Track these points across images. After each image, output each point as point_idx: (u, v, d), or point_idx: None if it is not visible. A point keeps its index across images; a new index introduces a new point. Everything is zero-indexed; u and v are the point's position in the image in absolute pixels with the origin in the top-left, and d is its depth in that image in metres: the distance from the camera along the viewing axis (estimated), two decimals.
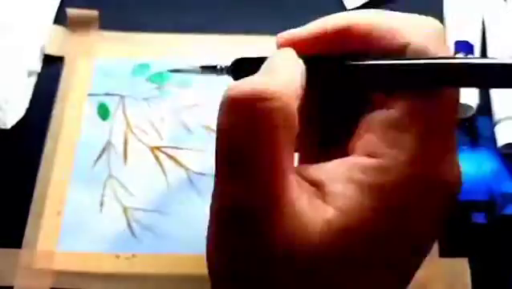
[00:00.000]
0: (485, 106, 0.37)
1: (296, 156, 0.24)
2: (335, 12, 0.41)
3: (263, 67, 0.19)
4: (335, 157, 0.18)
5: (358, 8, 0.42)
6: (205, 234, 0.31)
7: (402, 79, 0.18)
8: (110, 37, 0.39)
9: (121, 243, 0.31)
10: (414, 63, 0.18)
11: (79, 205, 0.32)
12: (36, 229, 0.32)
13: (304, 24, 0.40)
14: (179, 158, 0.34)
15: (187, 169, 0.34)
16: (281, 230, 0.16)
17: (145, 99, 0.36)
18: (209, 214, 0.18)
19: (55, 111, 0.36)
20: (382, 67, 0.18)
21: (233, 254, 0.17)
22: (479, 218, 0.33)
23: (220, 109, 0.17)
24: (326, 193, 0.17)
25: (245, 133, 0.16)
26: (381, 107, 0.18)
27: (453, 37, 0.39)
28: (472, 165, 0.35)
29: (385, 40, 0.19)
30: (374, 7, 0.41)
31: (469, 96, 0.36)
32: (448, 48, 0.19)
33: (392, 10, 0.42)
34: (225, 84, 0.38)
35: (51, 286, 0.30)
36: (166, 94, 0.36)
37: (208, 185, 0.33)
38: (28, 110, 0.36)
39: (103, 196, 0.33)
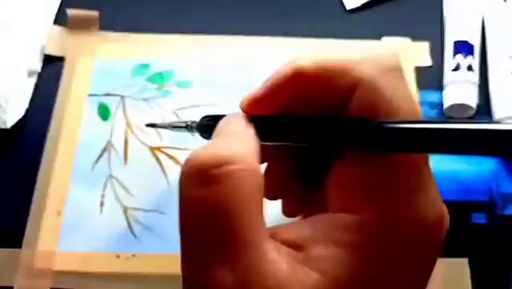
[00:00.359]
0: (485, 106, 0.37)
1: (279, 202, 0.24)
2: (336, 13, 0.41)
3: (215, 132, 0.19)
4: (319, 202, 0.18)
5: (358, 8, 0.42)
6: None
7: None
8: (110, 37, 0.39)
9: (121, 243, 0.31)
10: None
11: (80, 205, 0.32)
12: (36, 229, 0.32)
13: (304, 26, 0.40)
14: (179, 158, 0.34)
15: None
16: None
17: (145, 99, 0.36)
18: None
19: (55, 112, 0.36)
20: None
21: None
22: (479, 218, 0.33)
23: (181, 179, 0.16)
24: (308, 257, 0.16)
25: (215, 206, 0.15)
26: (357, 162, 0.18)
27: (452, 37, 0.39)
28: (472, 166, 0.35)
29: (336, 78, 0.18)
30: (374, 7, 0.42)
31: (468, 96, 0.36)
32: (406, 84, 0.18)
33: (392, 10, 0.42)
34: (224, 85, 0.38)
35: (52, 286, 0.30)
36: (166, 94, 0.36)
37: None
38: (28, 110, 0.36)
39: (103, 196, 0.33)
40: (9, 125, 0.34)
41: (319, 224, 0.17)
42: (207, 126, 0.23)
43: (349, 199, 0.17)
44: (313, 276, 0.16)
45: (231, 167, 0.15)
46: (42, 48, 0.38)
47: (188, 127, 0.26)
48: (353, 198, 0.17)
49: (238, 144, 0.17)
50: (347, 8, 0.42)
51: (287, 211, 0.24)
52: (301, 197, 0.22)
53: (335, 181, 0.19)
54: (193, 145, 0.34)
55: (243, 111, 0.20)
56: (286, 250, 0.16)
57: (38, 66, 0.38)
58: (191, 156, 0.16)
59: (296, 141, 0.19)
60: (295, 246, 0.17)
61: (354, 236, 0.16)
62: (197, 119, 0.25)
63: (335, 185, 0.19)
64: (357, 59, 0.18)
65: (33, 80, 0.37)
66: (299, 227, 0.18)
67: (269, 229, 0.17)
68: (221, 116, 0.21)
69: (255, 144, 0.18)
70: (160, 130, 0.35)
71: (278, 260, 0.16)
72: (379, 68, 0.18)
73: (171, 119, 0.35)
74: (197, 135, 0.26)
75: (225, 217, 0.15)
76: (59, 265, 0.31)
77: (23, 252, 0.31)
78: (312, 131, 0.18)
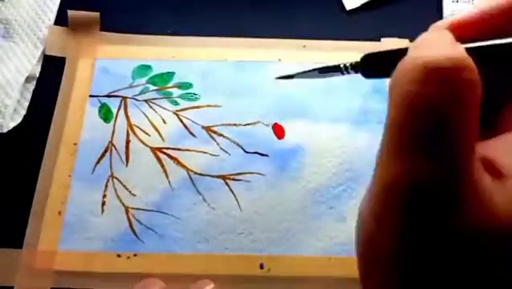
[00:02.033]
0: None
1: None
2: (335, 12, 0.42)
3: (418, 42, 0.17)
4: (496, 134, 0.17)
5: (357, 9, 0.42)
6: (206, 233, 0.32)
7: None
8: (111, 38, 0.39)
9: (122, 243, 0.31)
10: None
11: (81, 205, 0.32)
12: (37, 229, 0.32)
13: (304, 26, 0.40)
14: (180, 159, 0.34)
15: (188, 170, 0.34)
16: (470, 210, 0.15)
17: (146, 100, 0.36)
18: (368, 191, 0.16)
19: (57, 112, 0.36)
20: None
21: (412, 236, 0.15)
22: None
23: (407, 77, 0.15)
24: (501, 170, 0.16)
25: (448, 107, 0.15)
26: None
27: None
28: None
29: None
30: (373, 8, 0.42)
31: None
32: None
33: (391, 11, 0.42)
34: (225, 86, 0.38)
35: (52, 286, 0.30)
36: (167, 95, 0.37)
37: (208, 185, 0.33)
38: (30, 111, 0.36)
39: (104, 196, 0.33)
40: (5, 129, 0.34)
41: (509, 141, 0.16)
42: (375, 61, 0.21)
43: None
44: (509, 185, 0.15)
45: (468, 75, 0.15)
46: (42, 52, 0.38)
47: (343, 68, 0.24)
48: None
49: (462, 52, 0.16)
50: (347, 9, 0.42)
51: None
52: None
53: None
54: (194, 146, 0.34)
55: (450, 30, 0.18)
56: (481, 166, 0.16)
57: (36, 71, 0.38)
58: (415, 57, 0.15)
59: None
60: (486, 161, 0.16)
61: None
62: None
63: None
64: None
65: (31, 86, 0.37)
66: (487, 145, 0.17)
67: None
68: (384, 53, 0.20)
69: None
70: (160, 131, 0.35)
71: (482, 172, 0.15)
72: None
73: (172, 120, 0.35)
74: None
75: (457, 121, 0.15)
76: (60, 265, 0.31)
77: (24, 252, 0.31)
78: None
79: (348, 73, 0.24)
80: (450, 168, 0.15)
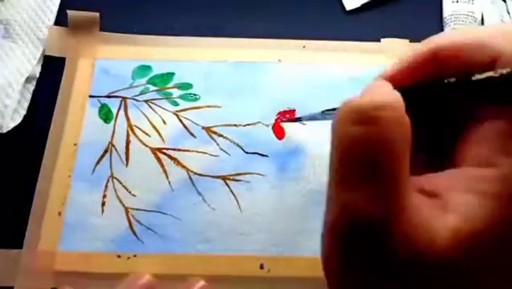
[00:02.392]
0: None
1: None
2: (335, 12, 0.42)
3: (363, 90, 0.19)
4: (440, 168, 0.18)
5: (357, 9, 0.42)
6: (206, 234, 0.32)
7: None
8: (111, 38, 0.39)
9: (122, 243, 0.31)
10: None
11: (81, 206, 0.32)
12: (37, 229, 0.32)
13: (304, 27, 0.40)
14: (180, 159, 0.34)
15: (188, 170, 0.34)
16: (405, 239, 0.16)
17: (146, 101, 0.36)
18: (321, 224, 0.18)
19: (57, 113, 0.36)
20: (493, 79, 0.18)
21: (354, 265, 0.17)
22: None
23: (339, 119, 0.18)
24: (444, 203, 0.17)
25: (370, 142, 0.16)
26: (488, 119, 0.18)
27: None
28: None
29: (475, 56, 0.19)
30: (373, 8, 0.42)
31: None
32: None
33: (391, 11, 0.42)
34: (225, 87, 0.38)
35: (52, 287, 0.30)
36: (167, 96, 0.37)
37: (208, 186, 0.33)
38: (30, 111, 0.36)
39: (104, 196, 0.33)
40: (5, 130, 0.34)
41: (456, 176, 0.18)
42: None
43: (486, 154, 0.18)
44: (452, 219, 0.16)
45: (389, 113, 0.17)
46: (42, 53, 0.38)
47: None
48: (492, 152, 0.17)
49: (391, 95, 0.18)
50: (347, 9, 0.42)
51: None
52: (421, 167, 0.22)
53: (468, 138, 0.19)
54: (194, 147, 0.34)
55: (389, 80, 0.21)
56: (420, 195, 0.17)
57: (36, 71, 0.38)
58: (348, 101, 0.18)
59: (434, 104, 0.20)
60: (430, 194, 0.17)
61: (495, 186, 0.17)
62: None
63: (468, 141, 0.19)
64: (495, 34, 0.18)
65: (31, 86, 0.37)
66: (433, 178, 0.18)
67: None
68: None
69: (402, 102, 0.18)
70: (160, 131, 0.35)
71: (419, 202, 0.17)
72: None
73: (172, 120, 0.35)
74: None
75: (381, 153, 0.16)
76: (60, 265, 0.31)
77: (24, 252, 0.31)
78: (449, 91, 0.19)
79: None
80: (380, 196, 0.16)
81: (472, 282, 0.16)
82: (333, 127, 0.18)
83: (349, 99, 0.18)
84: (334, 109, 0.28)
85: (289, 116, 0.36)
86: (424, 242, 0.16)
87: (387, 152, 0.16)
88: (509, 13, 0.42)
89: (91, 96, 0.36)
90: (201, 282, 0.30)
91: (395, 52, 0.39)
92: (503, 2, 0.43)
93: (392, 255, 0.16)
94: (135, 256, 0.31)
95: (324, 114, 0.29)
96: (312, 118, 0.31)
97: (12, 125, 0.35)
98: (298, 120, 0.34)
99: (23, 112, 0.36)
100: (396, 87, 0.19)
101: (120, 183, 0.33)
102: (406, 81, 0.21)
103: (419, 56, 0.21)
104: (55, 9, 0.41)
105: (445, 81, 0.19)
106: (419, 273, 0.16)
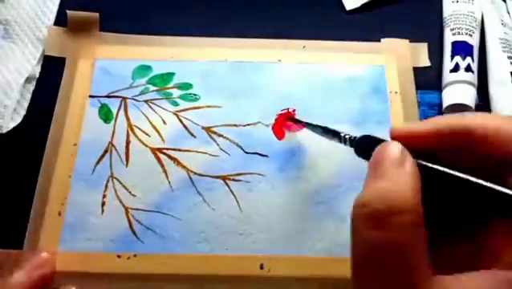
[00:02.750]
0: (484, 106, 0.37)
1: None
2: (335, 12, 0.42)
3: (377, 164, 0.19)
4: (453, 255, 0.19)
5: (357, 9, 0.42)
6: (206, 234, 0.32)
7: None
8: (110, 38, 0.39)
9: (122, 243, 0.31)
10: None
11: (81, 206, 0.32)
12: (37, 229, 0.32)
13: (304, 27, 0.40)
14: (180, 159, 0.34)
15: (188, 170, 0.34)
16: None
17: (146, 101, 0.36)
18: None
19: (57, 113, 0.36)
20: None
21: None
22: None
23: (357, 220, 0.18)
24: None
25: (389, 248, 0.17)
26: None
27: (451, 38, 0.39)
28: None
29: (509, 147, 0.18)
30: (373, 8, 0.42)
31: (467, 97, 0.36)
32: None
33: (391, 11, 0.42)
34: (225, 91, 0.38)
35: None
36: (167, 96, 0.37)
37: (208, 186, 0.33)
38: (29, 111, 0.36)
39: (104, 196, 0.33)
40: (5, 130, 0.34)
41: (486, 280, 0.17)
42: (365, 147, 0.23)
43: None
44: None
45: (407, 217, 0.17)
46: (42, 53, 0.38)
47: (341, 139, 0.27)
48: None
49: (405, 188, 0.18)
50: (347, 9, 0.42)
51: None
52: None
53: (498, 232, 0.18)
54: (194, 147, 0.34)
55: (391, 137, 0.21)
56: None
57: (36, 71, 0.38)
58: (363, 199, 0.18)
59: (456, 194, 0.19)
60: None
61: None
62: (349, 133, 0.27)
63: (499, 237, 0.18)
64: None
65: (31, 87, 0.37)
66: (460, 279, 0.17)
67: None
68: (379, 141, 0.22)
69: (418, 184, 0.18)
70: (160, 131, 0.35)
71: None
72: None
73: (172, 121, 0.35)
74: None
75: (399, 258, 0.17)
76: (60, 265, 0.31)
77: None
78: (475, 193, 0.18)
79: (345, 143, 0.27)
80: None
81: None
82: (352, 228, 0.18)
83: (363, 194, 0.18)
84: (334, 131, 0.28)
85: (289, 115, 0.36)
86: None
87: (404, 259, 0.17)
88: (509, 13, 0.42)
89: (90, 96, 0.36)
90: None
91: (395, 52, 0.39)
92: (503, 2, 0.43)
93: None
94: (135, 256, 0.31)
95: (324, 132, 0.29)
96: (311, 128, 0.31)
97: (12, 125, 0.35)
98: (301, 122, 0.34)
99: (23, 112, 0.36)
100: (415, 152, 0.19)
101: (120, 183, 0.33)
102: (428, 145, 0.20)
103: (452, 126, 0.20)
104: (55, 9, 0.41)
105: (474, 181, 0.18)
106: None
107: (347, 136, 0.27)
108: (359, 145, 0.25)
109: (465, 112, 0.21)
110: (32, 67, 0.37)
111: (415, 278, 0.16)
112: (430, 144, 0.20)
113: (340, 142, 0.27)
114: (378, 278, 0.17)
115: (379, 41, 0.40)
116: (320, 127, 0.30)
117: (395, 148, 0.19)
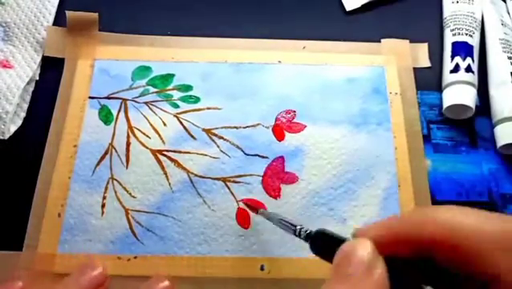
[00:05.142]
0: (485, 107, 0.37)
1: None
2: (335, 13, 0.42)
3: (340, 266, 0.17)
4: None
5: (357, 9, 0.42)
6: (206, 236, 0.32)
7: None
8: (110, 39, 0.39)
9: (122, 245, 0.31)
10: None
11: (80, 208, 0.32)
12: (37, 231, 0.32)
13: (304, 27, 0.40)
14: (180, 161, 0.34)
15: (188, 172, 0.34)
16: None
17: (147, 102, 0.36)
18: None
19: (56, 114, 0.36)
20: None
21: None
22: None
23: None
24: None
25: None
26: None
27: (451, 38, 0.39)
28: (471, 166, 0.35)
29: (472, 264, 0.17)
30: (373, 9, 0.42)
31: (467, 97, 0.36)
32: None
33: (391, 11, 0.42)
34: (225, 92, 0.38)
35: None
36: (167, 98, 0.36)
37: (208, 188, 0.33)
38: (29, 113, 0.36)
39: (104, 198, 0.33)
40: (7, 136, 0.34)
41: None
42: (321, 245, 0.22)
43: None
44: None
45: None
46: (42, 54, 0.38)
47: (296, 232, 0.25)
48: None
49: None
50: (347, 9, 0.42)
51: None
52: None
53: None
54: (194, 148, 0.34)
55: (354, 235, 0.19)
56: None
57: (36, 73, 0.37)
58: None
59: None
60: None
61: None
62: (305, 226, 0.25)
63: None
64: (498, 248, 0.17)
65: (30, 88, 0.37)
66: None
67: None
68: (334, 238, 0.20)
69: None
70: (161, 133, 0.35)
71: None
72: None
73: (172, 122, 0.35)
74: None
75: None
76: (60, 267, 0.31)
77: (24, 254, 0.31)
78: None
79: (300, 237, 0.25)
80: None
81: None
82: None
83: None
84: (291, 224, 0.26)
85: (289, 116, 0.36)
86: None
87: None
88: (509, 13, 0.42)
89: (90, 97, 0.36)
90: (165, 283, 0.29)
91: (395, 53, 0.39)
92: (503, 2, 0.43)
93: None
94: (135, 258, 0.31)
95: (280, 223, 0.27)
96: (268, 217, 0.29)
97: (13, 129, 0.35)
98: (257, 211, 0.31)
99: (23, 115, 0.36)
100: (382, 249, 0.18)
101: (120, 184, 0.33)
102: (391, 248, 0.18)
103: (417, 235, 0.18)
104: (54, 10, 0.40)
105: None
106: None
107: (302, 230, 0.25)
108: (315, 241, 0.23)
109: (424, 213, 0.19)
110: (33, 70, 0.37)
111: None
112: (393, 245, 0.19)
113: (296, 235, 0.25)
114: None
115: (379, 41, 0.40)
116: (277, 220, 0.28)
117: (363, 252, 0.17)
